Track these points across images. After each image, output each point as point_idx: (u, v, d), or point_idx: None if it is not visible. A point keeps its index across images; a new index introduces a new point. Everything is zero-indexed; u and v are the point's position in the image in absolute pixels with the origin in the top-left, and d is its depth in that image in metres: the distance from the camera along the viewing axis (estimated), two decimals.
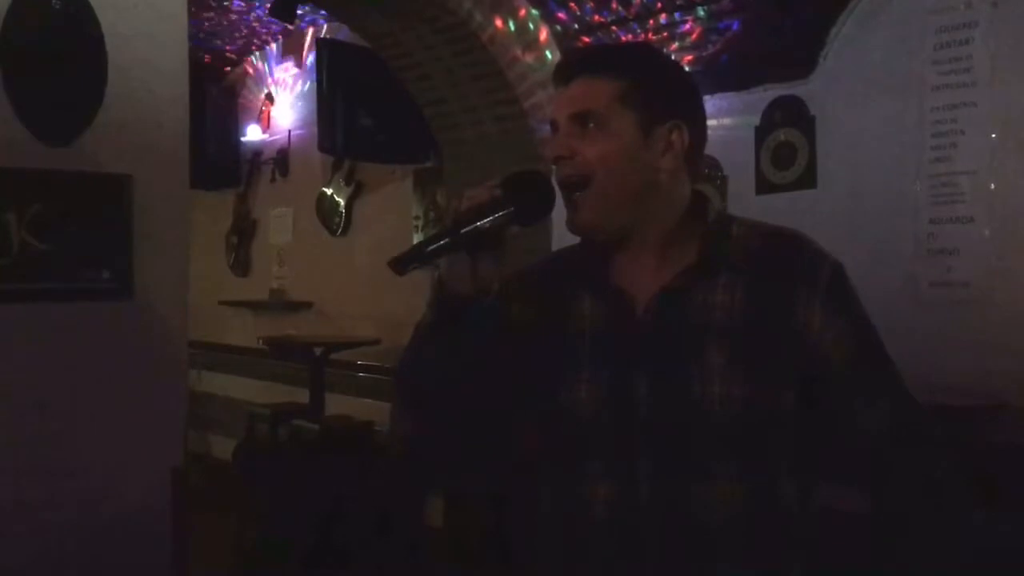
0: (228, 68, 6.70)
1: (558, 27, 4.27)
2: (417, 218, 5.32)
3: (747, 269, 1.16)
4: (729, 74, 3.79)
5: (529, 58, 4.28)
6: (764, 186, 3.69)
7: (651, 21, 3.94)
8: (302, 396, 5.22)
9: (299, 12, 5.10)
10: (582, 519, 1.17)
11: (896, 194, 3.18)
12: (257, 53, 6.52)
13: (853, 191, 3.29)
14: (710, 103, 3.94)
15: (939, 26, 3.06)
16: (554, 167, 1.21)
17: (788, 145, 3.60)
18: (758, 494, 1.13)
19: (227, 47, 6.39)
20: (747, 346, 1.13)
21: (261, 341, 5.44)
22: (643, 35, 4.00)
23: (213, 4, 5.56)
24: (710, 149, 4.29)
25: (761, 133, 3.69)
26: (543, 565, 1.22)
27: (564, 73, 1.23)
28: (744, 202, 3.77)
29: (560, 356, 1.21)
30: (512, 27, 4.23)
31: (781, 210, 3.62)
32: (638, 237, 1.20)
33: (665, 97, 1.20)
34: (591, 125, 1.18)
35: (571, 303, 1.23)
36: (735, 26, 3.71)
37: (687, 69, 3.95)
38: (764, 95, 3.67)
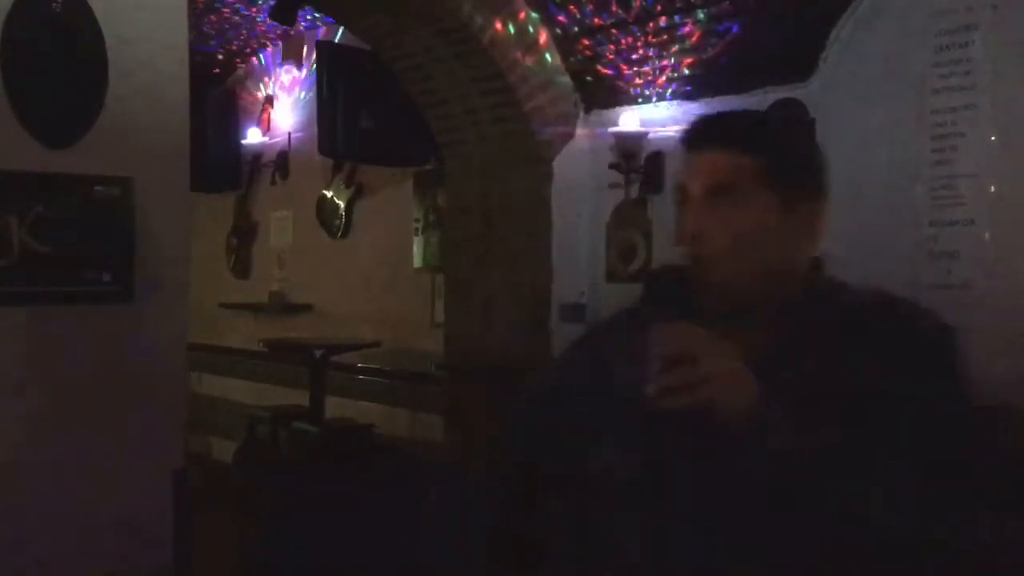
0: (228, 71, 6.71)
1: (558, 30, 4.28)
2: (417, 220, 5.33)
3: (846, 340, 1.11)
4: (729, 76, 3.79)
5: (529, 61, 4.29)
6: None
7: (651, 24, 3.94)
8: (302, 398, 5.22)
9: (299, 15, 5.11)
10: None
11: (896, 197, 3.18)
12: (257, 56, 6.53)
13: (853, 193, 3.29)
14: (710, 106, 3.95)
15: (939, 29, 3.06)
16: (683, 242, 1.15)
17: None
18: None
19: (227, 50, 6.39)
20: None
21: (261, 343, 5.44)
22: (643, 38, 4.01)
23: (214, 7, 5.57)
24: None
25: None
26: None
27: (700, 138, 1.18)
28: None
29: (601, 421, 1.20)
30: (512, 30, 4.24)
31: None
32: (744, 316, 1.14)
33: (806, 177, 1.16)
34: (724, 200, 1.12)
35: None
36: (735, 29, 3.71)
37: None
38: (764, 97, 3.67)
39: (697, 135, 1.18)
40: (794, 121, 1.24)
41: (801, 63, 3.53)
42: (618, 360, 1.18)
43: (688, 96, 3.98)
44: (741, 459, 1.04)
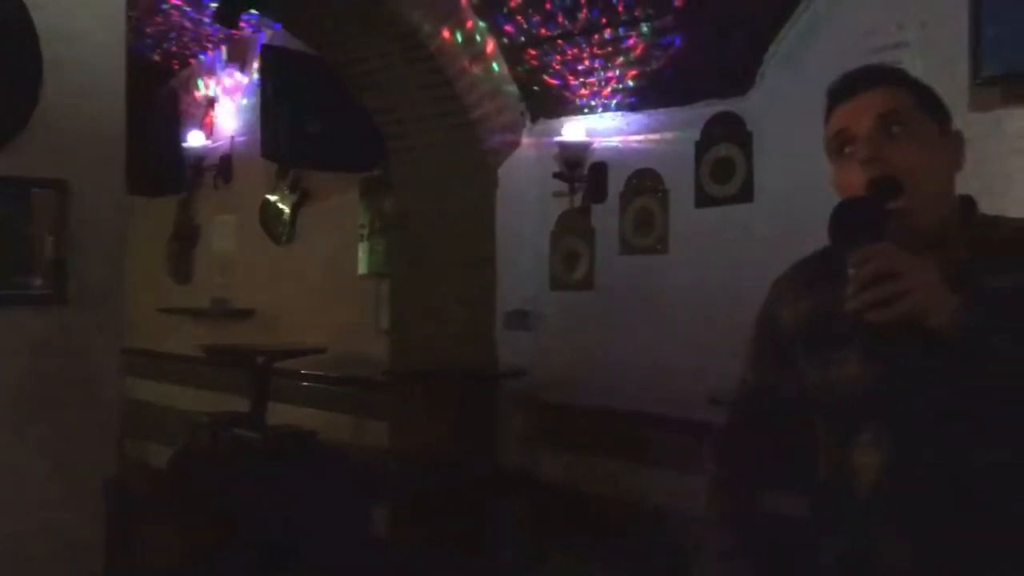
0: (171, 73, 6.61)
1: (505, 40, 4.31)
2: (363, 226, 5.30)
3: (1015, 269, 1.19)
4: (671, 89, 3.86)
5: (477, 69, 4.31)
6: (703, 199, 3.76)
7: (596, 36, 3.99)
8: (246, 405, 5.16)
9: (245, 18, 5.06)
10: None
11: (830, 210, 3.26)
12: (201, 58, 6.45)
13: (789, 205, 3.37)
14: (653, 117, 4.02)
15: (872, 46, 3.15)
16: (862, 168, 1.21)
17: (727, 160, 3.68)
18: None
19: (170, 51, 6.30)
20: None
21: (201, 349, 5.36)
22: (589, 49, 4.06)
23: (156, 8, 5.49)
24: (651, 162, 4.33)
25: (701, 148, 3.76)
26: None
27: (852, 86, 1.27)
28: (684, 214, 3.84)
29: (828, 348, 1.26)
30: (460, 38, 4.26)
31: (720, 223, 3.70)
32: (924, 237, 1.21)
33: (943, 104, 1.29)
34: (896, 129, 1.22)
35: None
36: (677, 42, 3.78)
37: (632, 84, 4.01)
38: (704, 110, 3.75)
39: (852, 81, 1.28)
40: None
41: (741, 77, 3.61)
42: (820, 287, 1.26)
43: (632, 107, 4.04)
44: (958, 365, 1.10)
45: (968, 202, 1.29)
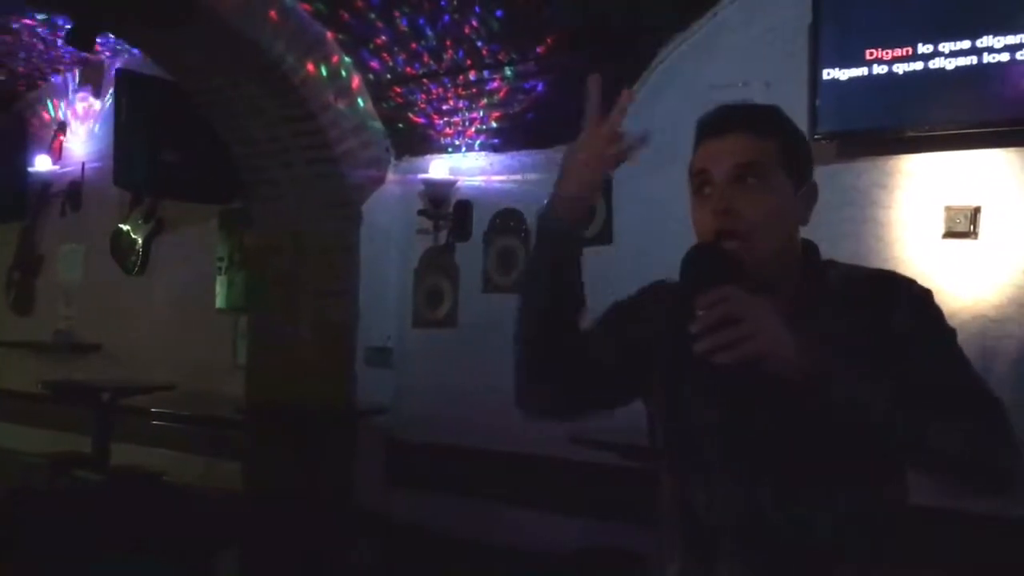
0: (17, 95, 6.27)
1: (371, 76, 4.31)
2: (221, 259, 5.15)
3: (853, 302, 1.26)
4: (534, 132, 3.95)
5: (341, 104, 4.29)
6: None
7: (461, 77, 4.06)
8: (89, 445, 4.88)
9: (101, 42, 4.86)
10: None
11: (682, 253, 3.40)
12: (51, 80, 6.15)
13: (644, 248, 3.50)
14: (516, 158, 4.10)
15: (719, 101, 3.33)
16: (713, 216, 1.24)
17: None
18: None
19: (18, 72, 5.98)
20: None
21: (41, 385, 5.05)
22: (454, 89, 4.11)
23: (3, 26, 5.21)
24: (514, 202, 4.40)
25: None
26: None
27: (724, 124, 1.28)
28: None
29: (677, 382, 1.30)
30: (325, 72, 4.23)
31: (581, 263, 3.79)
32: (762, 282, 1.23)
33: (806, 158, 1.31)
34: (751, 180, 1.24)
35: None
36: (539, 87, 3.89)
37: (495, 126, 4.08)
38: None
39: (720, 121, 1.29)
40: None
41: None
42: (671, 322, 1.27)
43: (495, 148, 4.12)
44: (803, 406, 1.15)
45: (811, 248, 1.34)
